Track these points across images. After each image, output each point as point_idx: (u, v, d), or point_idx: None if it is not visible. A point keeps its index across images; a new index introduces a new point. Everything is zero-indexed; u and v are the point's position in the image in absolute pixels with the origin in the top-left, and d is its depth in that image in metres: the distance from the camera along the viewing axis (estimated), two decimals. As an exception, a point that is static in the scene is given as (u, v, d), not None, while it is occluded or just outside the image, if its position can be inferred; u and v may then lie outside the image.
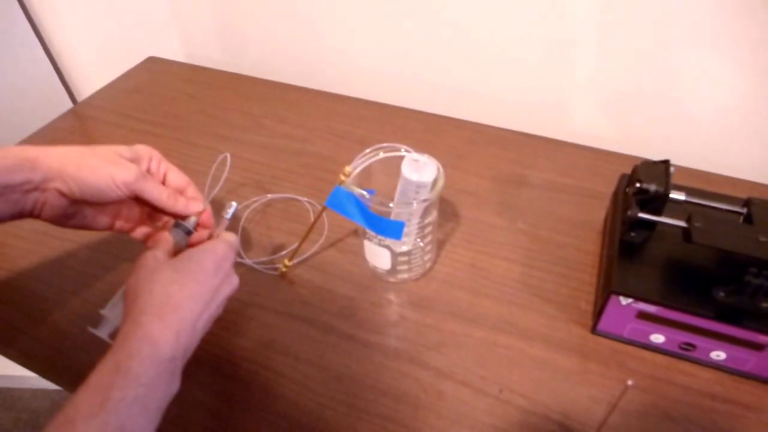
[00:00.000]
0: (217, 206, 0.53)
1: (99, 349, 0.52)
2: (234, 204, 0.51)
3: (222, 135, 0.81)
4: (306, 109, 0.86)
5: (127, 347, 0.37)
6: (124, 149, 0.47)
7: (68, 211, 0.46)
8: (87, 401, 0.34)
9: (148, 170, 0.49)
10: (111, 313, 0.45)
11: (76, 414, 0.34)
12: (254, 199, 0.69)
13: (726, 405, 0.48)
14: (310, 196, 0.69)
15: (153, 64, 1.00)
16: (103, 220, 0.49)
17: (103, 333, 0.44)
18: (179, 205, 0.48)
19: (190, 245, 0.49)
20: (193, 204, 0.50)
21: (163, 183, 0.50)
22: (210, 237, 0.50)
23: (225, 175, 0.57)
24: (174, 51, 1.02)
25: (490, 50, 0.76)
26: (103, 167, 0.45)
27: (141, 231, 0.51)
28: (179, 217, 0.49)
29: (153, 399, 0.37)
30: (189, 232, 0.49)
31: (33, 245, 0.64)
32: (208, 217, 0.51)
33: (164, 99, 0.90)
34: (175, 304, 0.40)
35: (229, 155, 0.60)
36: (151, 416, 0.36)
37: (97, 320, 0.44)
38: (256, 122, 0.83)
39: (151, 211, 0.51)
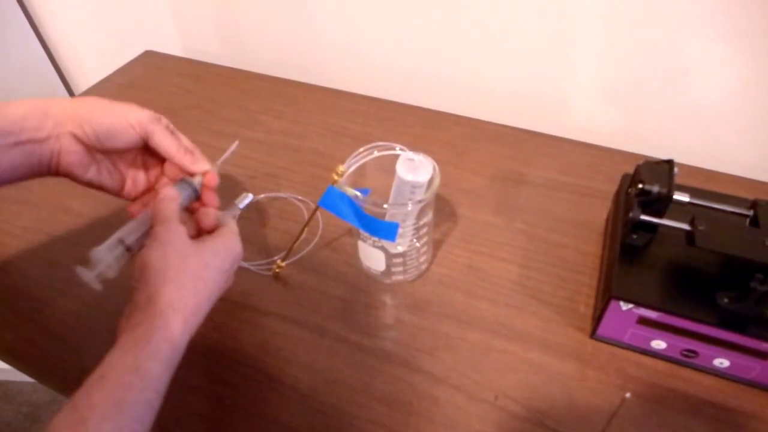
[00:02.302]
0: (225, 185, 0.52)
1: (89, 349, 0.52)
2: (250, 195, 0.51)
3: (218, 131, 0.79)
4: (303, 105, 0.84)
5: (151, 346, 0.35)
6: (131, 104, 0.47)
7: (84, 160, 0.45)
8: (103, 400, 0.33)
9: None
10: (105, 255, 0.42)
11: (90, 413, 0.32)
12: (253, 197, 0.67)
13: (728, 414, 0.46)
14: (305, 194, 0.68)
15: (150, 58, 0.98)
16: (116, 177, 0.48)
17: (90, 276, 0.41)
18: (187, 159, 0.47)
19: (191, 209, 0.48)
20: (200, 163, 0.48)
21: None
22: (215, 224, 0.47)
23: (228, 154, 0.53)
24: (171, 45, 1.01)
25: (490, 44, 0.75)
26: (117, 109, 0.45)
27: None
28: (185, 172, 0.48)
29: (160, 402, 0.36)
30: (196, 191, 0.48)
31: (22, 242, 0.63)
32: (214, 177, 0.49)
33: (161, 94, 0.88)
34: (198, 304, 0.39)
35: (237, 142, 0.56)
36: (154, 418, 0.35)
37: (82, 280, 0.41)
38: (252, 118, 0.82)
39: (157, 171, 0.50)
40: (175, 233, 0.41)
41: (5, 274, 0.60)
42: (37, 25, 1.07)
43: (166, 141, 0.46)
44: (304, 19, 0.85)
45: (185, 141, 0.49)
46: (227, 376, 0.50)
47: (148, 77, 0.93)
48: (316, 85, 0.88)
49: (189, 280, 0.39)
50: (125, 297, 0.41)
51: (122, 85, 0.91)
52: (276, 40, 0.91)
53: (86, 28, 1.09)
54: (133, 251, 0.43)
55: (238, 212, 0.50)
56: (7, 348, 0.54)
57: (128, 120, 0.44)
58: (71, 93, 1.15)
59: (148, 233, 0.44)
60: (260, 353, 0.52)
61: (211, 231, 0.46)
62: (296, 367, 0.51)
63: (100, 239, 0.63)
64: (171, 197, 0.44)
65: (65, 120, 0.43)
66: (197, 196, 0.48)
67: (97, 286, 0.41)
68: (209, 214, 0.46)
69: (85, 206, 0.68)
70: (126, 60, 0.97)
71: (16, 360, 0.53)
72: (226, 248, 0.43)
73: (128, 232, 0.44)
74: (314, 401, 0.48)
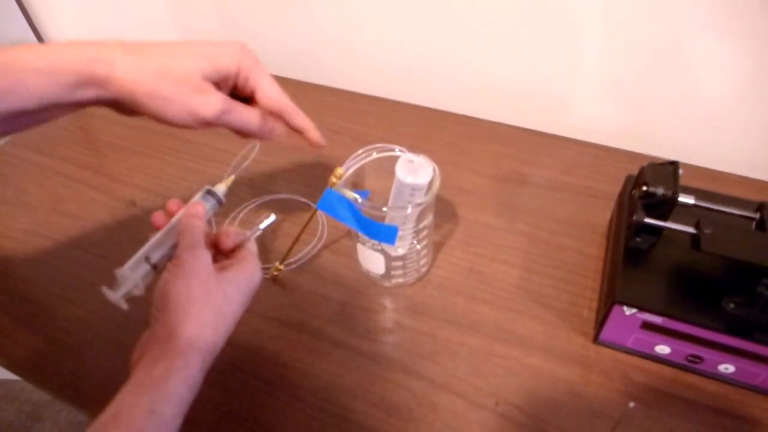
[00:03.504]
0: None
1: (87, 354, 0.52)
2: (273, 216, 0.49)
3: (216, 131, 0.78)
4: (302, 104, 0.82)
5: (168, 388, 0.34)
6: (209, 67, 0.41)
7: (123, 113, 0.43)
8: None
9: (235, 87, 0.44)
10: (130, 274, 0.40)
11: None
12: (253, 200, 0.66)
13: (733, 421, 0.45)
14: (304, 195, 0.67)
15: (148, 56, 0.97)
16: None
17: (116, 296, 0.40)
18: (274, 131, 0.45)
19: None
20: (302, 120, 0.45)
21: (252, 101, 0.44)
22: (235, 244, 0.46)
23: (249, 161, 0.52)
24: (170, 42, 1.00)
25: (490, 41, 0.73)
26: (180, 97, 0.40)
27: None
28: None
29: None
30: (221, 202, 0.47)
31: (19, 245, 0.63)
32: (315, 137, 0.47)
33: (158, 92, 0.87)
34: (216, 342, 0.38)
35: (258, 144, 0.53)
36: None
37: (108, 292, 0.40)
38: (251, 117, 0.81)
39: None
40: (200, 262, 0.39)
41: (2, 277, 0.60)
42: (35, 23, 1.06)
43: (244, 125, 0.43)
44: (302, 17, 0.84)
45: (269, 95, 0.45)
46: (224, 380, 0.49)
47: (147, 76, 0.92)
48: (315, 84, 0.87)
49: (210, 317, 0.38)
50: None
51: (120, 84, 0.90)
52: (274, 38, 0.90)
53: (85, 29, 1.08)
54: (159, 268, 0.42)
55: (259, 232, 0.48)
56: (6, 354, 0.53)
57: (190, 114, 0.40)
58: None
59: (173, 248, 0.43)
60: (258, 358, 0.51)
61: (230, 251, 0.44)
62: (294, 372, 0.50)
63: (98, 243, 0.63)
64: (198, 215, 0.42)
65: (121, 98, 0.40)
66: (221, 205, 0.47)
67: (124, 306, 0.40)
68: (229, 235, 0.44)
69: (83, 209, 0.67)
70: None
71: (12, 364, 0.53)
72: (246, 279, 0.41)
73: (153, 249, 0.42)
74: (312, 408, 0.47)
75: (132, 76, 0.39)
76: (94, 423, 0.33)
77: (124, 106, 0.42)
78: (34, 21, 1.09)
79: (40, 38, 1.08)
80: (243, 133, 0.45)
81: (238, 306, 0.40)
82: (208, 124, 0.42)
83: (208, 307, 0.38)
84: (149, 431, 0.33)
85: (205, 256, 0.40)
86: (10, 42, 1.04)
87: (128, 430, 0.32)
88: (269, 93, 0.45)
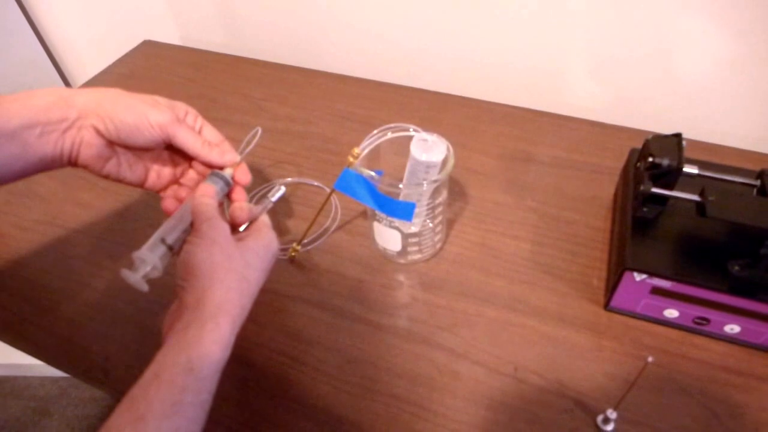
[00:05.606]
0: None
1: (113, 338, 0.53)
2: (282, 188, 0.50)
3: (222, 119, 0.79)
4: (307, 90, 0.84)
5: (203, 347, 0.36)
6: (160, 98, 0.47)
7: (104, 153, 0.45)
8: (160, 399, 0.33)
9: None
10: (148, 256, 0.41)
11: (148, 412, 0.33)
12: (265, 185, 0.67)
13: (740, 378, 0.48)
14: (315, 178, 0.68)
15: (149, 48, 0.98)
16: (137, 170, 0.47)
17: (135, 278, 0.41)
18: (213, 154, 0.47)
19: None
20: (228, 154, 0.48)
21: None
22: (244, 219, 0.47)
23: (252, 146, 0.53)
24: (170, 34, 1.00)
25: (491, 25, 0.75)
26: (139, 106, 0.44)
27: (171, 194, 0.50)
28: (214, 167, 0.48)
29: (211, 403, 0.36)
30: (228, 184, 0.47)
31: (35, 235, 0.63)
32: (245, 173, 0.49)
33: (161, 84, 0.88)
34: (243, 305, 0.39)
35: (260, 129, 0.54)
36: (206, 418, 0.36)
37: (124, 280, 0.41)
38: (256, 105, 0.82)
39: (184, 166, 0.50)
40: (219, 230, 0.41)
41: (22, 268, 0.61)
42: (32, 18, 1.06)
43: (189, 141, 0.46)
44: (304, 4, 0.85)
45: (211, 133, 0.49)
46: (250, 358, 0.51)
47: (149, 68, 0.92)
48: (319, 71, 0.88)
49: (235, 281, 0.39)
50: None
51: (123, 76, 0.91)
52: (277, 26, 0.90)
53: (83, 19, 1.07)
54: (175, 249, 0.43)
55: (271, 205, 0.49)
56: (30, 340, 0.54)
57: (149, 120, 0.44)
58: (69, 86, 1.14)
59: (187, 230, 0.44)
60: (281, 335, 0.53)
61: (241, 224, 0.46)
62: (318, 347, 0.52)
63: (113, 230, 0.64)
64: (209, 193, 0.44)
65: (88, 112, 0.43)
66: (229, 188, 0.48)
67: (144, 288, 0.41)
68: (243, 209, 0.45)
69: (96, 198, 0.68)
70: (122, 51, 0.96)
71: (39, 351, 0.54)
72: (265, 247, 0.43)
73: (168, 231, 0.43)
74: (338, 380, 0.49)
75: (95, 96, 0.44)
76: (136, 384, 0.34)
77: (91, 140, 0.44)
78: (31, 15, 1.08)
79: (37, 32, 1.07)
80: (190, 154, 0.48)
81: (260, 272, 0.42)
82: (165, 136, 0.45)
83: (232, 271, 0.39)
84: (190, 387, 0.34)
85: (223, 225, 0.41)
86: (5, 30, 1.03)
87: (170, 386, 0.34)
88: (211, 130, 0.50)
